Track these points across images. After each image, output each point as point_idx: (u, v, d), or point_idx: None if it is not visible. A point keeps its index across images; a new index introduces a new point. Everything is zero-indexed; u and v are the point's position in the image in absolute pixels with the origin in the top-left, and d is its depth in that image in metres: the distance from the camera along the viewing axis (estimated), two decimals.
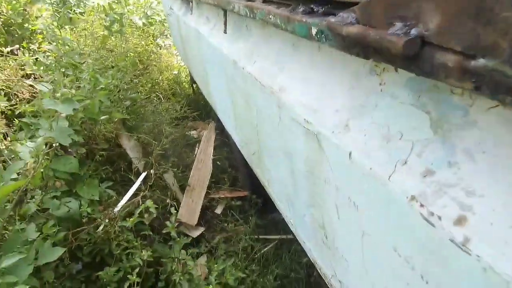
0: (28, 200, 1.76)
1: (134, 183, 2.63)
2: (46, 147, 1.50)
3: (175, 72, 4.94)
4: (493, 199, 0.47)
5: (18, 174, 1.52)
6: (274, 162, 1.34)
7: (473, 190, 0.49)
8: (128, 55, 4.19)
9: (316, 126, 0.83)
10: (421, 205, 0.53)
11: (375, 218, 0.68)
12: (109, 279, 1.88)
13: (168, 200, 2.35)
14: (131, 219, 1.85)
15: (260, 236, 3.07)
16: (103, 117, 2.57)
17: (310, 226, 1.10)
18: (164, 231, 2.32)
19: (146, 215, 1.86)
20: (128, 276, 1.89)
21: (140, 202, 1.96)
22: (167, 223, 2.24)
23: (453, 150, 0.52)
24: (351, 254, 0.85)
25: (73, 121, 2.20)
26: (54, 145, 1.46)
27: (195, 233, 3.14)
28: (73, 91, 2.30)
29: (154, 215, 1.88)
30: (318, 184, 0.93)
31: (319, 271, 1.19)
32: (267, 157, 1.42)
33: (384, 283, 0.71)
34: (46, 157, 1.51)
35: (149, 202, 1.89)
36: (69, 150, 1.52)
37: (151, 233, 2.09)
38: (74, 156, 2.22)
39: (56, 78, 2.54)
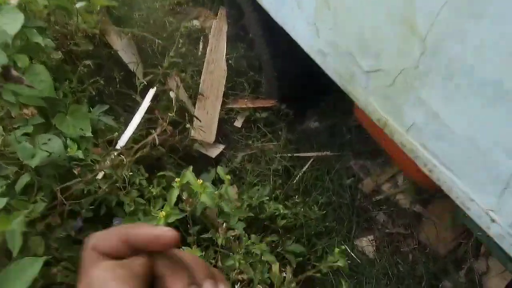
0: None
1: (135, 97, 1.96)
2: None
3: None
4: None
5: None
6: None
7: None
8: None
9: None
10: None
11: None
12: None
13: (187, 125, 1.71)
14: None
15: (294, 154, 2.53)
16: (79, 4, 1.77)
17: None
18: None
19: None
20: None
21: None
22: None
23: None
24: None
25: (34, 12, 1.41)
26: None
27: (214, 152, 2.60)
28: None
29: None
30: None
31: None
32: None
33: None
34: None
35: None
36: (13, 73, 0.83)
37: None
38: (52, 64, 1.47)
39: None
